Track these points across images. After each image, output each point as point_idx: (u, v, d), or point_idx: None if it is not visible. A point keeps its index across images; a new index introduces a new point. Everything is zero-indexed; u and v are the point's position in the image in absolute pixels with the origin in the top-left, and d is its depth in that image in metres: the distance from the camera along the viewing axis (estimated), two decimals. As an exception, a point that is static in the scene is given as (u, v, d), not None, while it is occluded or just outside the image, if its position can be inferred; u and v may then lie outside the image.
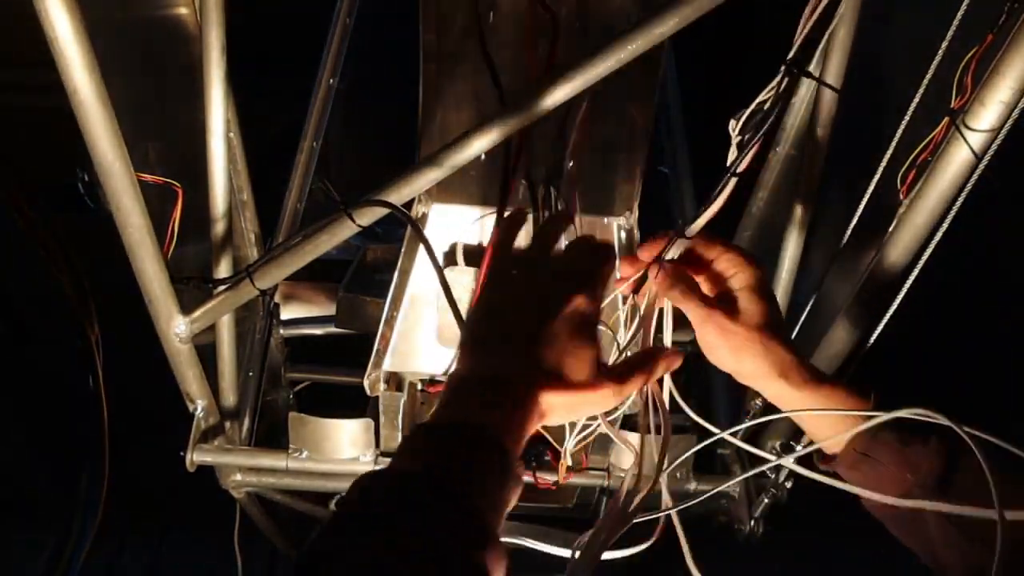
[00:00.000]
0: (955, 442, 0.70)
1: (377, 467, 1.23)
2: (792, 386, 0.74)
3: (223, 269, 1.07)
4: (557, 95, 0.78)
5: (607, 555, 0.77)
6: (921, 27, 0.97)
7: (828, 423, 0.76)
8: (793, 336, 1.24)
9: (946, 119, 0.82)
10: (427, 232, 1.14)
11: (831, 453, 0.77)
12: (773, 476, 1.24)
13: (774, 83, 0.66)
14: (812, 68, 1.06)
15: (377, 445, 1.23)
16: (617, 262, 0.81)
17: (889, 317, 0.94)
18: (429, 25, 1.01)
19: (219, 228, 1.06)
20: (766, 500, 1.26)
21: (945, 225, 0.86)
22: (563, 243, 0.79)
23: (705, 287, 0.77)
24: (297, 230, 1.50)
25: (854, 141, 1.15)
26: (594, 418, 1.02)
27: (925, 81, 0.90)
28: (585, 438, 1.11)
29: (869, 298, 0.97)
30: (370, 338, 1.18)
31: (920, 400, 0.79)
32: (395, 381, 1.20)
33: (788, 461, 0.81)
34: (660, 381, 0.80)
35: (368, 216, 0.88)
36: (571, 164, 1.08)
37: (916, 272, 0.91)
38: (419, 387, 1.26)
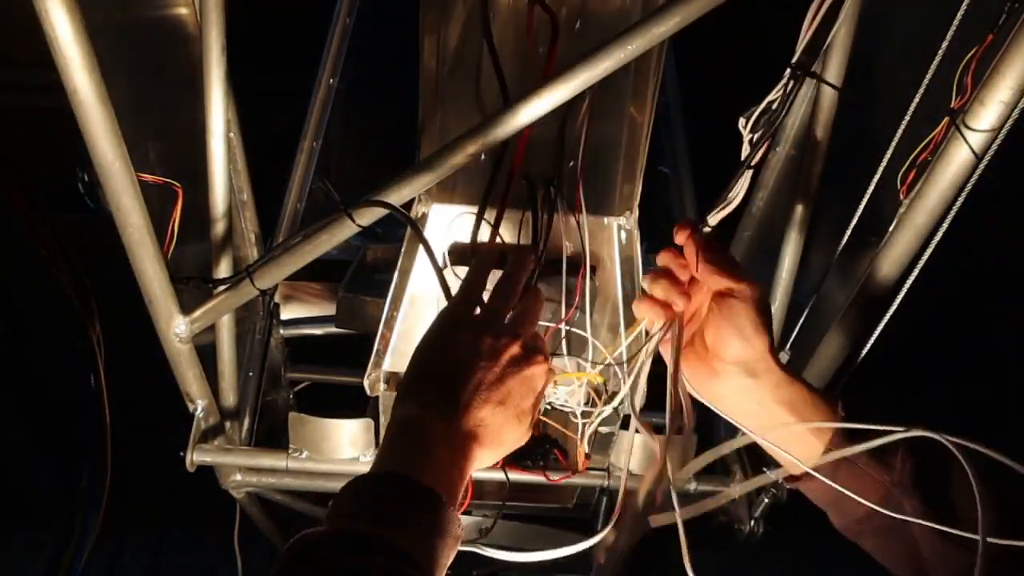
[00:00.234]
0: (923, 442, 0.69)
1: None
2: (771, 384, 0.75)
3: (223, 269, 1.07)
4: (557, 95, 0.78)
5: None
6: (921, 27, 0.97)
7: (799, 436, 0.75)
8: (792, 336, 1.24)
9: (946, 119, 0.82)
10: (427, 232, 1.14)
11: (798, 471, 0.76)
12: (772, 477, 1.24)
13: (781, 84, 0.66)
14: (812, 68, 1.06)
15: (377, 445, 1.23)
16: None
17: (889, 317, 0.94)
18: (429, 25, 1.01)
19: (219, 228, 1.06)
20: (766, 500, 1.26)
21: (945, 225, 0.86)
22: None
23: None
24: (297, 230, 1.50)
25: (854, 142, 1.15)
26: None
27: (925, 81, 0.90)
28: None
29: (869, 298, 0.97)
30: (370, 338, 1.18)
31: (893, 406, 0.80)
32: (395, 381, 1.20)
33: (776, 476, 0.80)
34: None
35: (368, 216, 0.87)
36: (571, 164, 1.08)
37: (916, 272, 0.91)
38: (419, 387, 1.26)
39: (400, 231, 1.22)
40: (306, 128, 1.59)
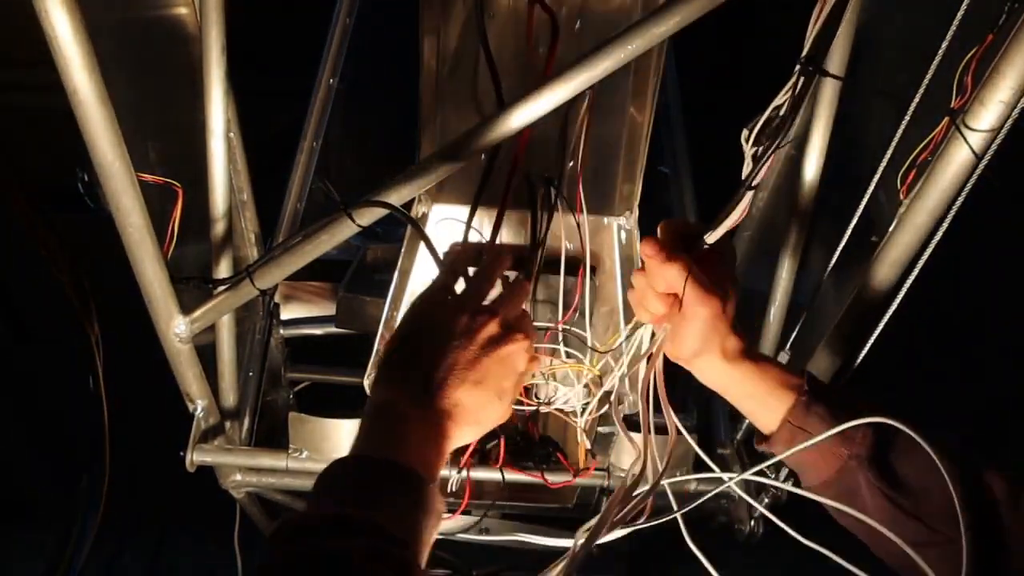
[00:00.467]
0: (890, 421, 0.73)
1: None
2: (728, 361, 0.79)
3: (223, 269, 1.07)
4: (557, 95, 0.78)
5: (606, 538, 0.79)
6: (921, 27, 0.97)
7: (764, 400, 0.80)
8: (792, 337, 1.24)
9: (946, 119, 0.82)
10: (427, 232, 1.14)
11: (768, 433, 0.81)
12: (773, 476, 1.24)
13: (789, 84, 0.65)
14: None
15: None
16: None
17: (889, 317, 0.94)
18: (429, 25, 1.01)
19: (219, 228, 1.06)
20: (766, 500, 1.26)
21: (945, 225, 0.86)
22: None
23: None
24: (297, 230, 1.50)
25: (854, 142, 1.15)
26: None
27: (925, 81, 0.90)
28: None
29: (869, 298, 0.97)
30: (370, 338, 1.18)
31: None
32: (395, 381, 1.19)
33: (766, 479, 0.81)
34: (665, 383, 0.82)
35: (368, 216, 0.87)
36: (571, 164, 1.08)
37: (916, 272, 0.91)
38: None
39: (400, 231, 1.22)
40: (306, 128, 1.59)
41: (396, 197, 0.86)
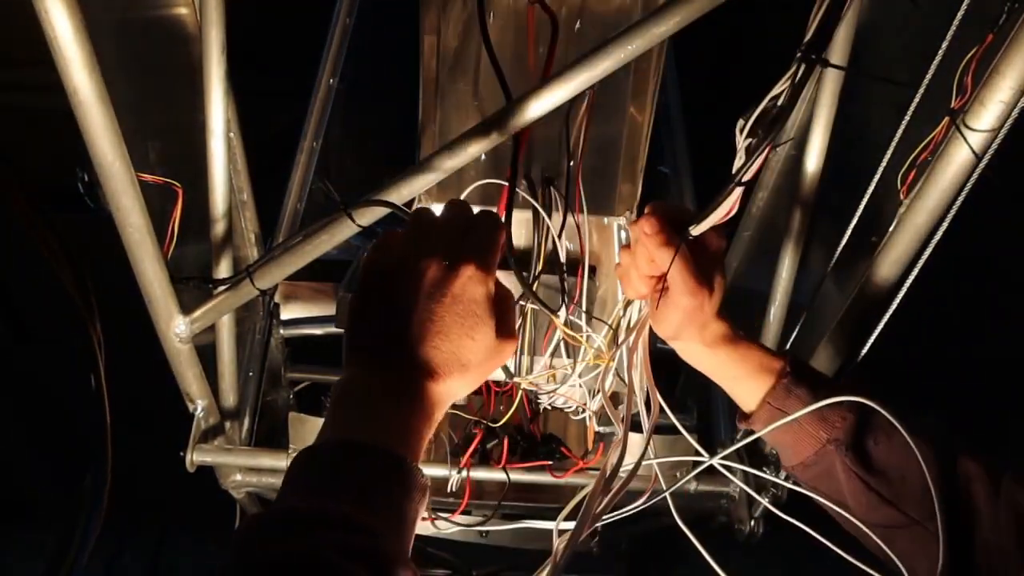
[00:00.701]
0: (865, 402, 0.75)
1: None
2: (708, 346, 0.79)
3: (223, 269, 1.07)
4: (557, 95, 0.78)
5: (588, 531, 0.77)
6: (921, 27, 0.97)
7: (747, 383, 0.81)
8: (793, 336, 1.24)
9: (946, 119, 0.82)
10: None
11: (749, 412, 0.82)
12: (773, 476, 1.24)
13: (788, 74, 0.63)
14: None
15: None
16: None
17: (889, 317, 0.94)
18: (429, 25, 1.01)
19: (219, 228, 1.06)
20: (766, 498, 1.26)
21: (945, 225, 0.86)
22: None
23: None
24: (297, 230, 1.50)
25: (854, 142, 1.15)
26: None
27: (925, 81, 0.90)
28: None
29: (869, 298, 0.97)
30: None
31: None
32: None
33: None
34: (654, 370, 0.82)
35: (368, 216, 0.87)
36: (571, 164, 1.08)
37: (916, 272, 0.91)
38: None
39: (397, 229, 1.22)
40: (306, 128, 1.59)
41: (396, 197, 0.86)
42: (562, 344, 1.15)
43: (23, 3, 0.68)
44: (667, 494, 0.87)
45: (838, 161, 1.14)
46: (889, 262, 0.93)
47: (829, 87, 1.10)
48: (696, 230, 0.73)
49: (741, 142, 0.67)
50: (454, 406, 1.20)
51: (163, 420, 1.16)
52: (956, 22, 0.84)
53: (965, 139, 0.78)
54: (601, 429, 1.24)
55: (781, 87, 0.63)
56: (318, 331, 1.55)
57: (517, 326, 0.63)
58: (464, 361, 0.61)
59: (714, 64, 2.27)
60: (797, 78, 0.62)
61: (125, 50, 0.98)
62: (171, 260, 1.01)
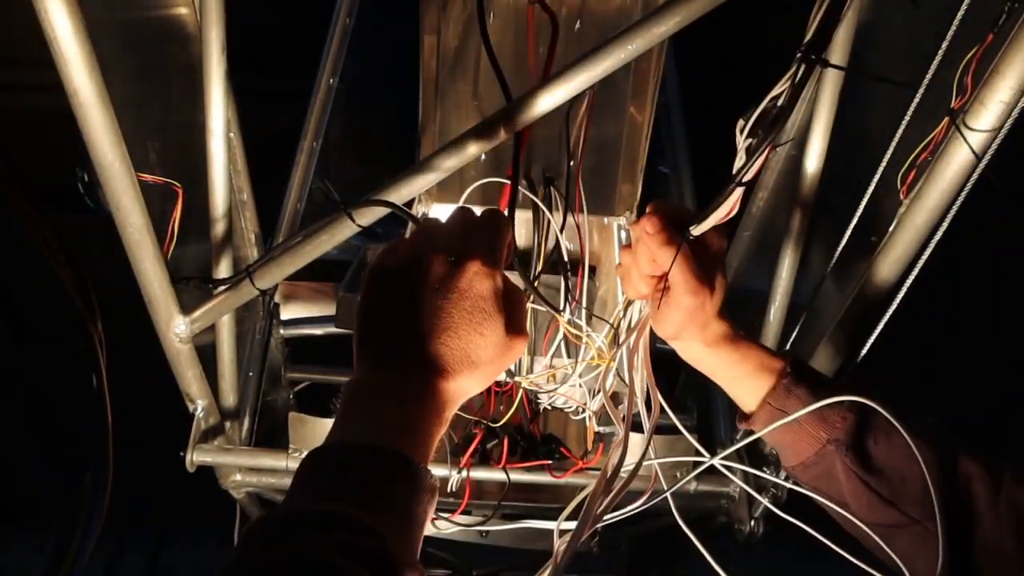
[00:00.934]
0: (865, 402, 0.75)
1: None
2: (708, 346, 0.79)
3: (223, 269, 1.07)
4: (557, 95, 0.78)
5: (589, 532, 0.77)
6: (922, 27, 0.97)
7: (747, 383, 0.81)
8: (793, 335, 1.24)
9: (946, 119, 0.82)
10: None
11: (749, 412, 0.82)
12: (773, 476, 1.24)
13: (788, 74, 0.63)
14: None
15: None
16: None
17: (889, 317, 0.94)
18: (429, 25, 1.01)
19: (219, 228, 1.06)
20: (766, 498, 1.26)
21: (945, 225, 0.86)
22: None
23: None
24: (297, 230, 1.50)
25: (854, 142, 1.15)
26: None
27: (925, 81, 0.90)
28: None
29: (869, 298, 0.97)
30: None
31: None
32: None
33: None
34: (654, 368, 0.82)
35: (368, 216, 0.87)
36: (571, 164, 1.08)
37: (916, 272, 0.91)
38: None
39: (400, 231, 1.22)
40: (306, 128, 1.59)
41: (396, 197, 0.86)
42: (562, 344, 1.15)
43: (23, 3, 0.68)
44: (668, 494, 0.87)
45: (838, 161, 1.14)
46: (889, 262, 0.93)
47: (829, 87, 1.10)
48: (697, 230, 0.73)
49: (741, 142, 0.67)
50: (454, 406, 1.20)
51: (163, 420, 1.16)
52: (956, 22, 0.84)
53: (965, 139, 0.78)
54: (601, 429, 1.24)
55: (781, 87, 0.63)
56: (318, 331, 1.55)
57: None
58: (474, 358, 0.60)
59: (714, 64, 2.26)
60: (797, 78, 0.62)
61: (125, 50, 0.98)
62: (171, 260, 1.01)
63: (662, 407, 0.82)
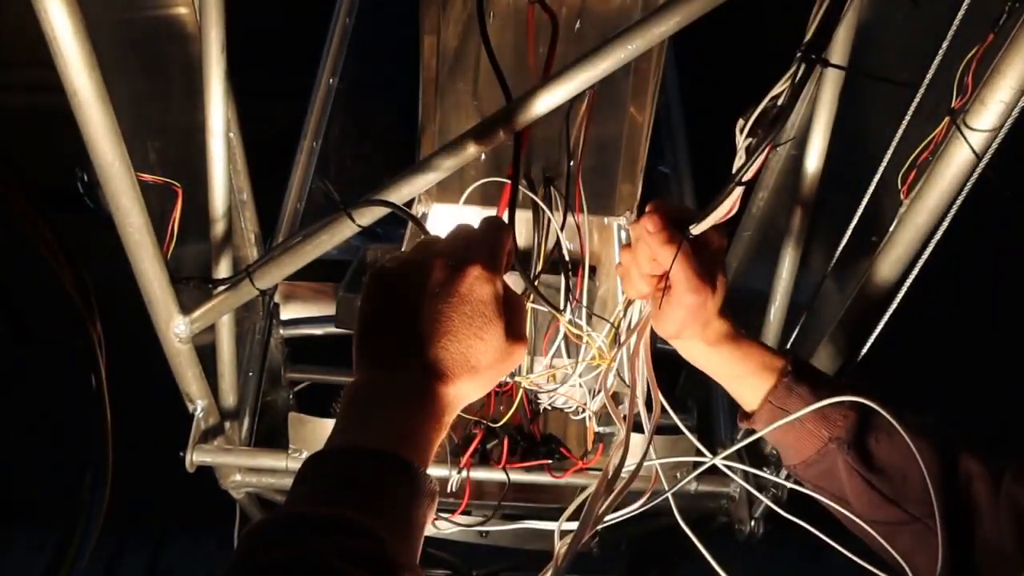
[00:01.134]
0: (866, 401, 0.75)
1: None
2: (710, 344, 0.79)
3: (223, 269, 1.07)
4: (557, 95, 0.78)
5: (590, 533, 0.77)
6: (922, 27, 0.97)
7: (748, 382, 0.81)
8: (793, 336, 1.24)
9: (947, 119, 0.82)
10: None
11: (751, 411, 0.82)
12: (773, 476, 1.24)
13: (788, 74, 0.63)
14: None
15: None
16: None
17: (889, 317, 0.94)
18: (429, 25, 1.01)
19: (219, 228, 1.06)
20: (767, 499, 1.26)
21: (945, 225, 0.86)
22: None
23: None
24: (297, 230, 1.50)
25: (854, 141, 1.15)
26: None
27: (926, 81, 0.90)
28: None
29: (869, 298, 0.97)
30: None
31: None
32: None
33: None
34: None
35: (368, 216, 0.87)
36: (571, 164, 1.08)
37: (917, 271, 0.91)
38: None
39: (400, 231, 1.22)
40: (306, 128, 1.59)
41: (396, 197, 0.86)
42: (563, 345, 1.15)
43: (23, 3, 0.68)
44: (669, 495, 0.87)
45: (838, 161, 1.14)
46: (889, 262, 0.93)
47: (829, 87, 1.10)
48: (697, 229, 0.73)
49: (741, 142, 0.67)
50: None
51: (163, 420, 1.16)
52: (956, 22, 0.84)
53: (966, 139, 0.78)
54: (601, 429, 1.24)
55: (781, 87, 0.63)
56: (318, 331, 1.55)
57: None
58: (474, 363, 0.60)
59: (714, 64, 2.26)
60: (797, 78, 0.62)
61: (125, 50, 0.98)
62: (171, 260, 1.01)
63: (663, 407, 0.82)
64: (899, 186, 0.92)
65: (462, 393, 0.61)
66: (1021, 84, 0.73)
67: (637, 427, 0.84)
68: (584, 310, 1.11)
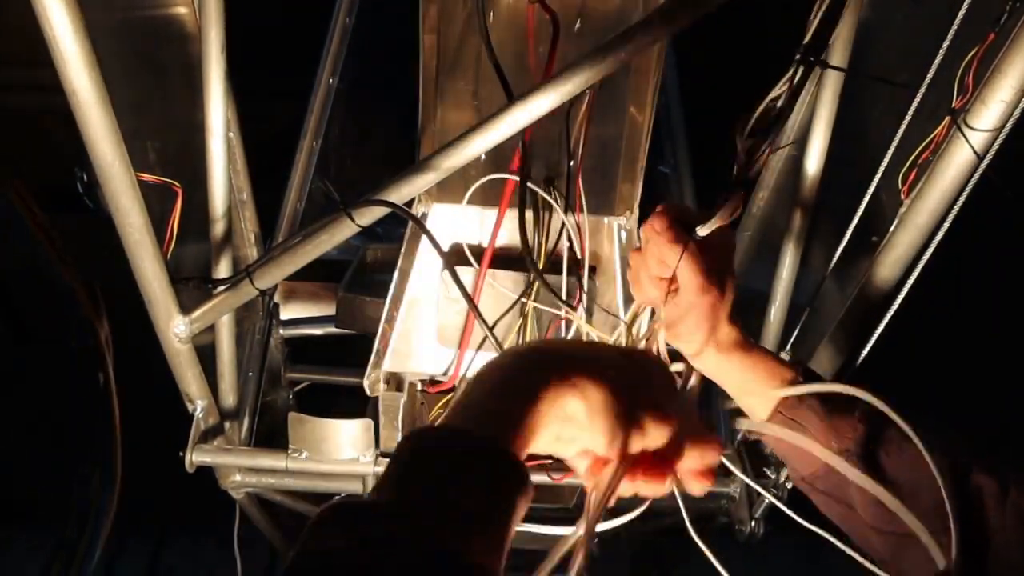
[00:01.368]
0: (877, 413, 0.73)
1: (376, 468, 1.22)
2: (721, 351, 0.78)
3: (223, 269, 1.07)
4: (557, 95, 0.78)
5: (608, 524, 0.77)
6: (922, 26, 0.97)
7: (758, 391, 0.80)
8: (793, 336, 1.24)
9: (947, 119, 0.81)
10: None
11: (760, 420, 0.81)
12: (773, 477, 1.24)
13: (787, 76, 0.63)
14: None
15: (377, 445, 1.23)
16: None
17: (890, 317, 0.94)
18: (429, 25, 1.01)
19: (219, 228, 1.06)
20: (766, 500, 1.26)
21: (946, 225, 0.86)
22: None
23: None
24: (297, 230, 1.50)
25: (855, 141, 1.14)
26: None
27: (926, 81, 0.90)
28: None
29: (870, 298, 0.97)
30: (370, 338, 1.18)
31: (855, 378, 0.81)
32: (395, 381, 1.20)
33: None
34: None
35: (368, 216, 0.87)
36: (571, 164, 1.07)
37: (917, 271, 0.91)
38: (419, 387, 1.26)
39: (400, 231, 1.22)
40: (306, 128, 1.59)
41: (396, 197, 0.86)
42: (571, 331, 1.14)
43: (23, 3, 0.68)
44: (678, 496, 0.87)
45: (838, 161, 1.14)
46: (890, 262, 0.93)
47: (829, 87, 1.10)
48: (704, 230, 0.74)
49: (741, 143, 0.67)
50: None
51: (163, 420, 1.16)
52: (957, 22, 0.84)
53: (966, 139, 0.78)
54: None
55: (780, 89, 0.63)
56: (318, 331, 1.56)
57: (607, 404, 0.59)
58: (593, 405, 0.55)
59: (714, 64, 2.26)
60: (795, 80, 0.62)
61: (125, 50, 0.98)
62: (171, 260, 1.01)
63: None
64: (899, 186, 0.92)
65: (566, 423, 0.57)
66: (1022, 84, 0.73)
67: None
68: (585, 310, 1.11)
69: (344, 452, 1.22)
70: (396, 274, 1.16)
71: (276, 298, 1.51)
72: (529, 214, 1.09)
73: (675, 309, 0.76)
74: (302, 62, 1.68)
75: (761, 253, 1.41)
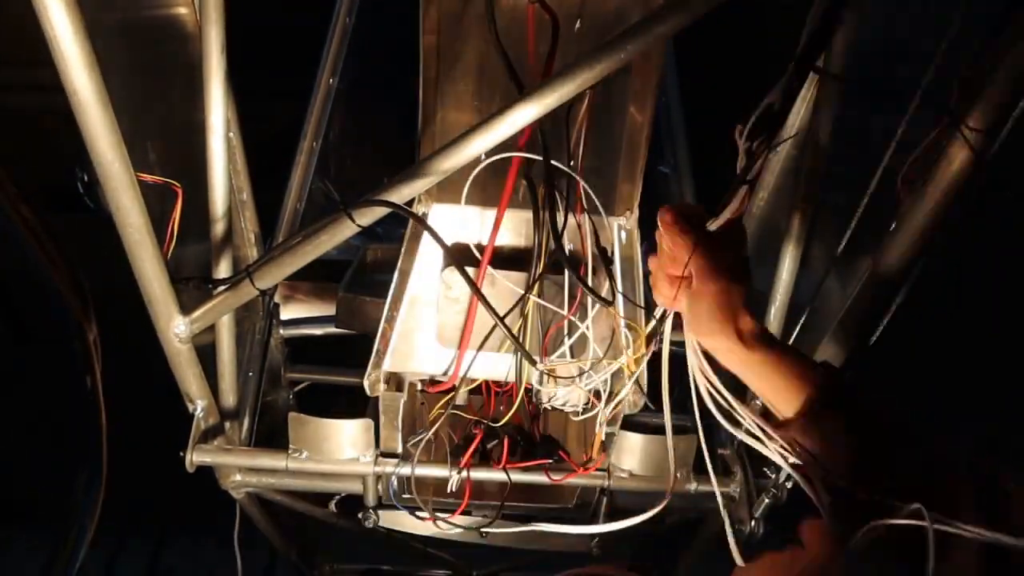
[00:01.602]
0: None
1: (376, 468, 1.23)
2: (746, 346, 0.80)
3: (223, 269, 1.07)
4: (557, 95, 0.78)
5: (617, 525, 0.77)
6: (922, 26, 0.97)
7: (782, 391, 0.80)
8: (794, 335, 1.24)
9: (947, 119, 0.81)
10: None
11: (783, 419, 0.81)
12: (773, 476, 1.24)
13: (782, 81, 0.64)
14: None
15: (377, 445, 1.23)
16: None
17: (890, 317, 0.94)
18: (429, 26, 1.01)
19: (219, 228, 1.06)
20: (766, 500, 1.26)
21: (946, 225, 0.86)
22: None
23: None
24: (297, 230, 1.50)
25: (855, 141, 1.14)
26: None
27: (926, 81, 0.90)
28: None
29: (870, 298, 0.97)
30: (370, 338, 1.18)
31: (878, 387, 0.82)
32: (395, 381, 1.20)
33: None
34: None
35: (368, 216, 0.87)
36: (571, 164, 1.07)
37: (917, 271, 0.91)
38: (419, 387, 1.26)
39: (400, 231, 1.22)
40: (306, 128, 1.59)
41: (396, 197, 0.86)
42: (567, 350, 1.15)
43: (23, 3, 0.68)
44: (719, 495, 0.86)
45: (838, 161, 1.14)
46: (890, 262, 0.93)
47: (830, 88, 1.10)
48: (715, 224, 0.77)
49: (742, 144, 0.68)
50: (454, 406, 1.20)
51: (163, 420, 1.16)
52: (957, 22, 0.84)
53: (966, 139, 0.78)
54: (604, 430, 1.24)
55: (774, 95, 0.65)
56: (318, 331, 1.55)
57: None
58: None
59: (714, 64, 2.26)
60: (791, 86, 0.64)
61: (125, 50, 0.98)
62: (171, 260, 1.01)
63: (659, 407, 0.83)
64: (899, 186, 0.92)
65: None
66: (1022, 84, 0.73)
67: (636, 427, 0.84)
68: (588, 316, 1.11)
69: (344, 452, 1.22)
70: (396, 274, 1.17)
71: (276, 298, 1.51)
72: (529, 214, 1.09)
73: (690, 299, 0.78)
74: (302, 62, 1.68)
75: (761, 253, 1.40)
